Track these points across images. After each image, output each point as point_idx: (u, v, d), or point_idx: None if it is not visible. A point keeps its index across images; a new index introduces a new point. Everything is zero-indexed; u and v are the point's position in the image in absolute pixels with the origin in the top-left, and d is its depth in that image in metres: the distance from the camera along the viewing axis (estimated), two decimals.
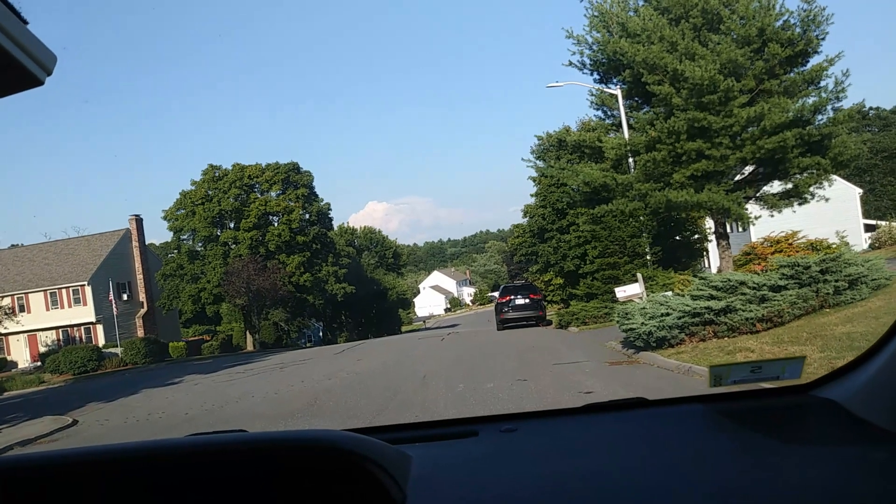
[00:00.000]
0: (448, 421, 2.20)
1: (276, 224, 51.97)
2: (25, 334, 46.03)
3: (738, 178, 20.23)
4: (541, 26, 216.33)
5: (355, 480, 1.32)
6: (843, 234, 24.18)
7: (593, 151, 21.56)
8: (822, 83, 18.39)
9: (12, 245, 56.70)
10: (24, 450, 11.21)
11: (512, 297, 26.82)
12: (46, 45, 1.06)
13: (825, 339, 9.14)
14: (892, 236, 29.41)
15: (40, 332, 46.32)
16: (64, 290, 46.68)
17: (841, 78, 17.87)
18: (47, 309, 46.69)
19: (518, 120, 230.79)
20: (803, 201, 19.68)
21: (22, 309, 45.42)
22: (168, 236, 54.81)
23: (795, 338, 9.89)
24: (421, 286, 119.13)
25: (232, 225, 51.16)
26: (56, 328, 46.33)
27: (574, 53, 20.75)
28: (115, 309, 44.13)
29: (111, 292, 44.24)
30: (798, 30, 18.04)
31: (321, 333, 63.29)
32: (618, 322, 14.01)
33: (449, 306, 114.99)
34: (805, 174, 18.79)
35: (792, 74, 18.50)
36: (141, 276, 50.50)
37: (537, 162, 31.84)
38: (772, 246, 20.63)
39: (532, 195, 34.95)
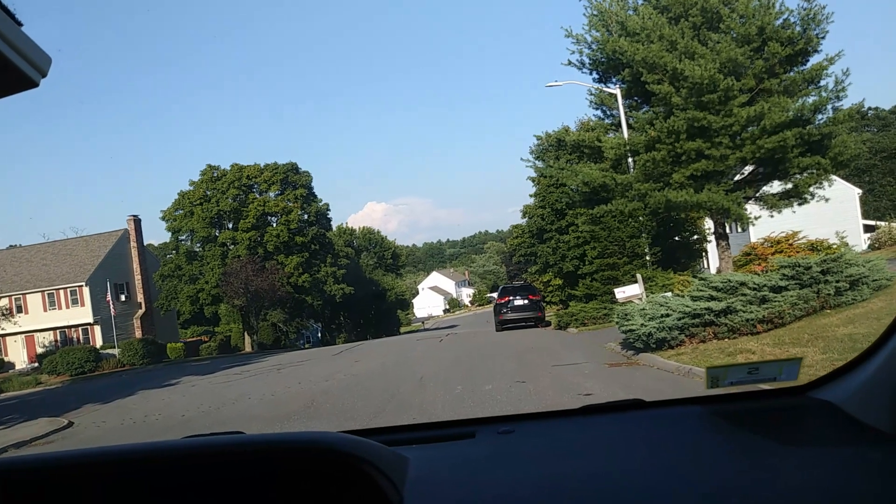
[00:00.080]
0: (445, 423, 2.17)
1: (274, 224, 51.83)
2: (23, 335, 45.91)
3: (737, 178, 20.15)
4: (540, 26, 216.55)
5: (352, 482, 1.32)
6: (842, 234, 24.08)
7: (592, 151, 21.49)
8: (822, 82, 18.33)
9: (10, 246, 56.62)
10: (20, 452, 11.11)
11: (511, 297, 26.73)
12: (41, 47, 1.05)
13: (827, 341, 9.05)
14: (892, 237, 29.34)
15: (38, 333, 46.21)
16: (62, 291, 46.55)
17: (841, 77, 17.82)
18: (45, 310, 46.55)
19: (517, 120, 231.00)
20: (803, 201, 19.61)
21: (19, 310, 45.31)
22: (166, 237, 54.78)
23: (797, 339, 9.80)
24: (420, 287, 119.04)
25: (230, 225, 51.03)
26: (53, 329, 46.21)
27: (573, 52, 20.69)
28: (112, 310, 43.99)
29: (109, 293, 44.10)
30: (798, 28, 17.98)
31: (320, 334, 63.15)
32: (617, 323, 13.92)
33: (448, 307, 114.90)
34: (805, 174, 18.72)
35: (792, 73, 18.43)
36: (139, 277, 50.37)
37: (536, 162, 31.79)
38: (772, 246, 20.54)
39: (531, 195, 34.90)
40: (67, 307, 46.40)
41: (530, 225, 35.11)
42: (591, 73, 21.31)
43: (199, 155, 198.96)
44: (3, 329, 39.03)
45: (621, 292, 16.96)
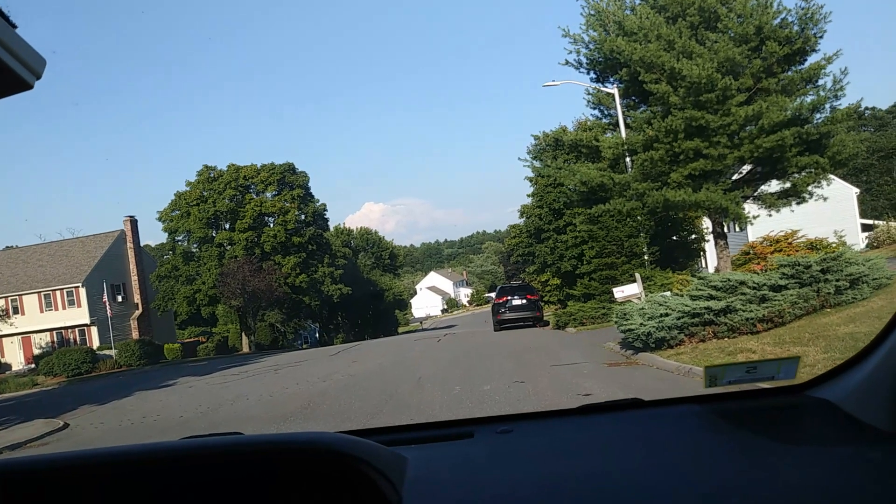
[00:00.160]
0: (444, 422, 2.17)
1: (271, 225, 51.72)
2: (19, 336, 45.77)
3: (735, 177, 20.11)
4: (537, 26, 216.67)
5: (351, 483, 1.32)
6: (841, 233, 24.06)
7: (590, 151, 21.44)
8: (821, 81, 18.29)
9: (7, 247, 56.44)
10: (15, 454, 11.02)
11: (509, 297, 26.67)
12: (35, 49, 1.06)
13: (828, 340, 8.99)
14: (891, 236, 29.32)
15: (34, 334, 46.06)
16: (58, 292, 46.42)
17: (839, 76, 17.78)
18: (41, 311, 46.42)
19: (515, 121, 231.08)
20: (801, 200, 19.56)
21: (16, 311, 45.19)
22: (163, 238, 54.63)
23: (797, 338, 9.74)
24: (418, 287, 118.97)
25: (227, 226, 50.91)
26: (50, 330, 46.08)
27: (570, 52, 20.60)
28: (109, 311, 43.89)
29: (105, 294, 43.99)
30: (796, 28, 17.94)
31: (317, 335, 63.07)
32: (616, 323, 13.86)
33: (446, 307, 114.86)
34: (803, 173, 18.68)
35: (790, 73, 18.38)
36: (136, 278, 50.25)
37: (534, 162, 31.68)
38: (771, 245, 20.49)
39: (529, 195, 34.82)
40: (64, 308, 46.26)
41: (528, 225, 35.04)
42: (588, 73, 21.26)
43: (195, 156, 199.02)
44: None
45: (620, 292, 16.92)
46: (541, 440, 1.79)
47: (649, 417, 1.94)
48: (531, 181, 33.38)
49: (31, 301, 46.65)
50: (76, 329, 46.22)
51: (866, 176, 51.63)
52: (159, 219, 51.66)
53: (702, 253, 28.47)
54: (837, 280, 11.84)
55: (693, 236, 26.50)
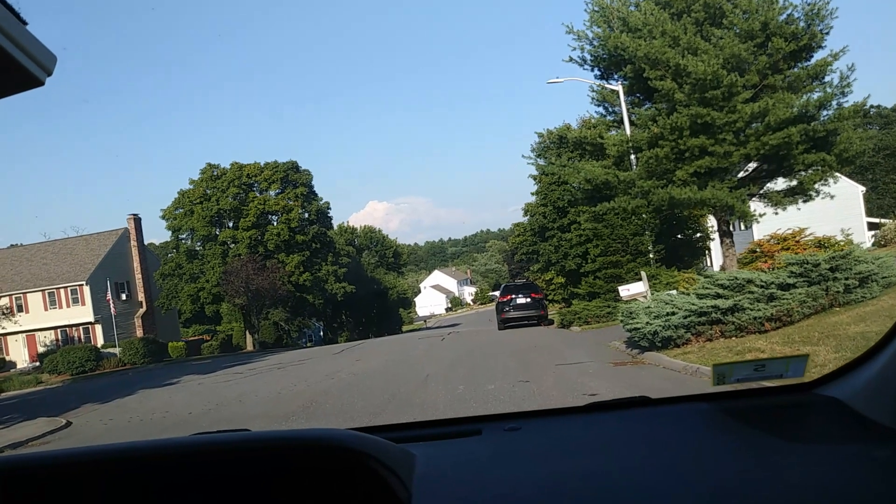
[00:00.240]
0: (451, 420, 2.17)
1: (275, 223, 51.67)
2: (24, 334, 45.81)
3: (741, 175, 19.98)
4: (541, 24, 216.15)
5: (360, 479, 1.32)
6: (848, 231, 23.89)
7: (595, 148, 21.34)
8: (827, 78, 18.19)
9: (11, 245, 56.53)
10: (16, 453, 10.96)
11: (513, 296, 26.56)
12: (46, 45, 1.07)
13: (838, 339, 8.86)
14: None
15: (39, 332, 46.10)
16: (62, 290, 46.45)
17: (846, 73, 17.68)
18: (45, 309, 46.45)
19: (518, 119, 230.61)
20: (808, 198, 19.44)
21: (20, 309, 45.20)
22: (167, 236, 54.63)
23: (807, 337, 9.61)
24: (422, 285, 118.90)
25: (231, 224, 50.89)
26: (54, 328, 46.10)
27: (574, 49, 20.57)
28: (113, 309, 43.87)
29: (109, 292, 43.98)
30: (802, 24, 17.82)
31: (322, 333, 63.06)
32: (622, 321, 13.73)
33: (450, 306, 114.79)
34: (810, 171, 18.56)
35: (796, 69, 18.29)
36: (139, 276, 50.26)
37: (538, 160, 31.59)
38: (779, 243, 20.34)
39: (533, 193, 34.69)
40: (68, 306, 46.29)
41: (532, 223, 34.91)
42: (592, 70, 21.19)
43: (199, 154, 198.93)
44: (3, 328, 38.92)
45: (626, 290, 16.77)
46: (548, 438, 1.79)
47: (656, 416, 1.92)
48: (535, 179, 33.27)
49: (35, 299, 46.69)
50: (80, 327, 46.24)
51: (872, 174, 51.44)
52: (163, 217, 51.71)
53: (707, 251, 28.34)
54: (847, 278, 11.71)
55: (698, 235, 26.36)
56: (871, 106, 58.31)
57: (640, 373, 10.55)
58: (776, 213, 20.00)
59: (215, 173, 51.51)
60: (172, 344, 45.81)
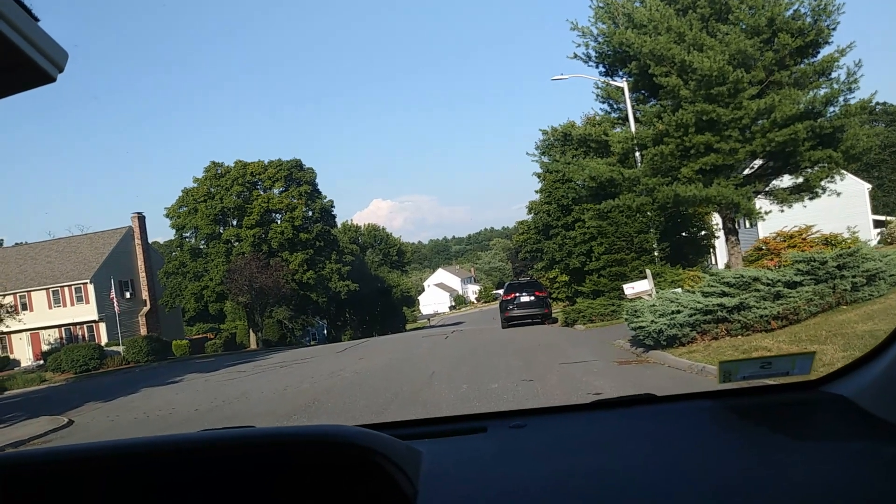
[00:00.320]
0: (456, 417, 2.17)
1: (278, 221, 51.65)
2: (28, 332, 45.85)
3: (747, 172, 19.83)
4: (545, 20, 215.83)
5: (367, 475, 1.32)
6: (854, 229, 23.72)
7: (599, 146, 21.20)
8: (834, 74, 18.01)
9: (16, 243, 56.63)
10: (18, 450, 10.90)
11: (517, 294, 26.46)
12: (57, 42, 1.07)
13: (846, 338, 8.74)
14: None
15: (43, 331, 46.14)
16: (66, 288, 46.50)
17: (853, 69, 17.50)
18: (50, 307, 46.50)
19: (523, 116, 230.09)
20: (814, 195, 19.27)
21: (24, 307, 45.22)
22: (171, 234, 54.65)
23: (814, 336, 9.49)
24: (426, 284, 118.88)
25: (234, 222, 50.87)
26: (58, 326, 46.13)
27: (579, 45, 20.40)
28: (116, 307, 43.86)
29: (113, 290, 44.01)
30: (809, 19, 17.65)
31: (325, 331, 63.06)
32: (626, 320, 13.63)
33: (453, 304, 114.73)
34: (816, 168, 18.40)
35: (802, 65, 18.12)
36: (143, 274, 50.27)
37: (542, 157, 31.45)
38: (785, 241, 20.17)
39: (537, 191, 34.54)
40: (72, 304, 46.33)
41: (536, 221, 34.78)
42: (597, 67, 21.04)
43: (203, 152, 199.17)
44: (8, 326, 38.88)
45: (630, 288, 16.66)
46: (553, 435, 1.79)
47: (661, 413, 1.92)
48: (539, 177, 33.12)
49: (39, 297, 46.75)
50: (84, 325, 46.29)
51: (878, 171, 51.15)
52: (167, 215, 51.72)
53: (711, 249, 28.20)
54: (854, 276, 11.59)
55: (703, 233, 26.22)
56: (878, 103, 57.86)
57: (645, 372, 10.45)
58: (782, 211, 19.84)
59: (219, 171, 51.47)
60: (176, 342, 45.82)
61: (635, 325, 12.76)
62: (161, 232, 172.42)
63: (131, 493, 1.34)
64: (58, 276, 47.07)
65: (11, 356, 45.82)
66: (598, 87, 21.78)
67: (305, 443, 1.37)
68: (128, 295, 48.43)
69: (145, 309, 49.90)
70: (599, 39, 20.01)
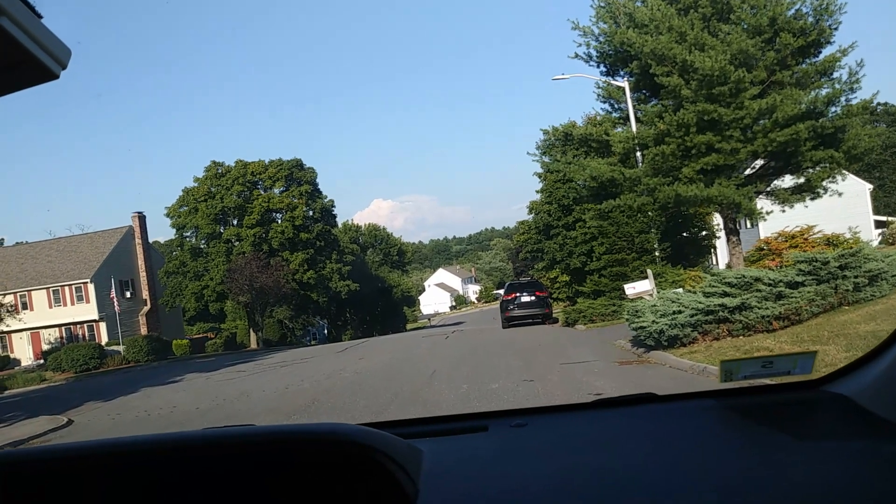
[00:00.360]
0: (457, 416, 2.17)
1: (279, 221, 51.61)
2: (28, 332, 45.84)
3: (748, 172, 19.78)
4: (546, 20, 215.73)
5: (369, 473, 1.32)
6: (856, 229, 23.67)
7: (600, 145, 21.16)
8: (835, 74, 17.97)
9: (17, 243, 56.62)
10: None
11: (517, 294, 26.41)
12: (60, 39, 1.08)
13: (849, 339, 8.69)
14: None
15: (43, 330, 46.12)
16: (67, 288, 46.47)
17: (855, 69, 17.46)
18: (50, 306, 46.47)
19: (523, 116, 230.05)
20: (816, 196, 19.23)
21: (25, 306, 45.20)
22: (171, 233, 54.63)
23: (816, 336, 9.45)
24: (426, 284, 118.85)
25: (235, 222, 50.83)
26: (59, 326, 46.11)
27: (580, 45, 20.36)
28: (117, 306, 43.81)
29: (113, 290, 43.98)
30: (810, 19, 17.61)
31: (326, 331, 63.02)
32: (627, 320, 13.58)
33: (454, 304, 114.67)
34: (818, 168, 18.36)
35: (804, 65, 18.07)
36: (144, 274, 50.25)
37: (543, 157, 31.38)
38: (787, 241, 20.12)
39: (537, 191, 34.51)
40: (73, 304, 46.31)
41: (537, 221, 34.75)
42: (598, 66, 20.99)
43: (203, 152, 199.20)
44: (8, 326, 38.87)
45: (631, 288, 16.61)
46: (554, 434, 1.79)
47: (662, 413, 1.92)
48: (540, 177, 33.09)
49: (39, 297, 46.73)
50: (84, 325, 46.26)
51: (879, 172, 51.10)
52: (167, 214, 51.67)
53: (712, 250, 28.16)
54: (856, 277, 11.55)
55: (704, 233, 26.18)
56: (879, 103, 57.82)
57: (646, 372, 10.41)
58: (783, 211, 19.79)
59: (220, 171, 51.44)
60: (176, 342, 45.78)
61: (636, 326, 12.72)
62: (161, 231, 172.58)
63: (132, 491, 1.34)
64: (58, 276, 47.05)
65: (12, 355, 45.79)
66: (599, 87, 21.75)
67: (306, 441, 1.37)
68: (128, 294, 48.41)
69: (146, 308, 49.87)
70: (601, 39, 19.97)
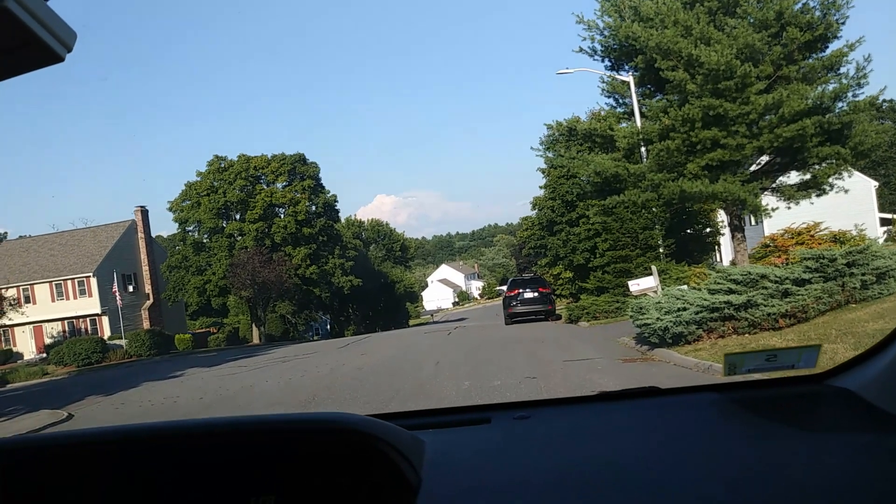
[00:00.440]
0: (460, 408, 2.16)
1: (282, 216, 51.56)
2: (31, 325, 45.91)
3: (753, 168, 19.62)
4: (550, 14, 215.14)
5: (372, 463, 1.33)
6: (861, 226, 23.51)
7: (604, 140, 21.01)
8: (842, 69, 17.79)
9: (20, 236, 56.66)
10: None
11: (520, 290, 26.29)
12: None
13: (857, 337, 8.57)
14: None
15: (46, 324, 46.19)
16: (69, 282, 46.52)
17: (862, 64, 17.29)
18: (53, 300, 46.53)
19: (527, 112, 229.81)
20: (822, 192, 19.07)
21: (28, 300, 45.29)
22: (174, 228, 54.63)
23: (823, 335, 9.32)
24: (429, 280, 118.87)
25: (237, 216, 50.80)
26: (61, 319, 46.20)
27: (585, 39, 20.23)
28: (119, 300, 43.82)
29: (116, 284, 44.00)
30: (817, 13, 17.44)
31: (328, 326, 63.01)
32: (631, 317, 13.46)
33: (457, 300, 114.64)
34: (824, 164, 18.19)
35: (811, 60, 17.90)
36: (146, 268, 50.26)
37: (546, 152, 31.23)
38: (793, 238, 19.96)
39: (541, 187, 34.40)
40: (75, 298, 46.37)
41: (540, 217, 34.64)
42: (603, 61, 20.86)
43: (206, 146, 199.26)
44: (11, 319, 38.91)
45: (635, 285, 16.48)
46: (557, 427, 1.79)
47: (666, 405, 1.91)
48: (543, 172, 32.97)
49: (42, 290, 46.78)
50: (87, 319, 46.32)
51: (885, 169, 50.88)
52: (170, 209, 51.71)
53: (717, 246, 28.01)
54: (863, 274, 11.41)
55: (708, 229, 26.03)
56: (884, 100, 57.53)
57: (650, 370, 10.29)
58: (788, 208, 19.64)
59: (222, 165, 51.41)
60: (179, 336, 45.80)
61: (640, 323, 12.60)
62: (164, 226, 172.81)
63: (133, 478, 1.34)
64: (61, 270, 47.08)
65: (14, 349, 45.87)
66: (603, 82, 21.58)
67: (310, 430, 1.39)
68: (130, 288, 48.43)
69: (148, 303, 49.90)
70: (605, 33, 19.82)
